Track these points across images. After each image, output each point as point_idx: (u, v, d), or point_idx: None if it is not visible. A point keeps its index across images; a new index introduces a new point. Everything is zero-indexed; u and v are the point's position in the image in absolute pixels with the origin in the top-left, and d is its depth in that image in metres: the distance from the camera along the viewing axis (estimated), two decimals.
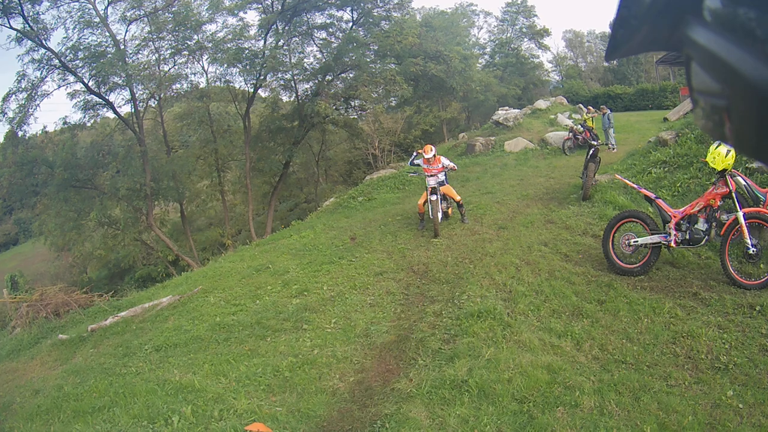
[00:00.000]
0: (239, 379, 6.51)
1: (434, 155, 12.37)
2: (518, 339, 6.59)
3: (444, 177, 12.43)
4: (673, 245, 7.89)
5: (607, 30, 60.61)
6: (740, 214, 7.34)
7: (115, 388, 6.81)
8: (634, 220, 8.46)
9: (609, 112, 20.98)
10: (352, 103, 29.08)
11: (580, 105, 32.07)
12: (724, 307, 6.77)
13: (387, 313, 8.21)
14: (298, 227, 16.85)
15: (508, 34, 50.45)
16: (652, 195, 8.46)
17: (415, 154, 12.88)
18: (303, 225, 17.09)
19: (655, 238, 8.00)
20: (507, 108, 28.59)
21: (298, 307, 8.82)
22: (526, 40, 51.06)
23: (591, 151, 12.85)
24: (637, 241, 8.18)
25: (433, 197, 11.70)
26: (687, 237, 7.83)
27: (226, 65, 25.08)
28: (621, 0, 0.81)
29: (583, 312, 7.21)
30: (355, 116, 31.64)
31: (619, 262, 8.36)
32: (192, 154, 28.29)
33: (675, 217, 7.95)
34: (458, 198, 12.33)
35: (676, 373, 5.62)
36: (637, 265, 8.22)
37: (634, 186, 9.04)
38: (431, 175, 12.06)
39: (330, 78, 27.20)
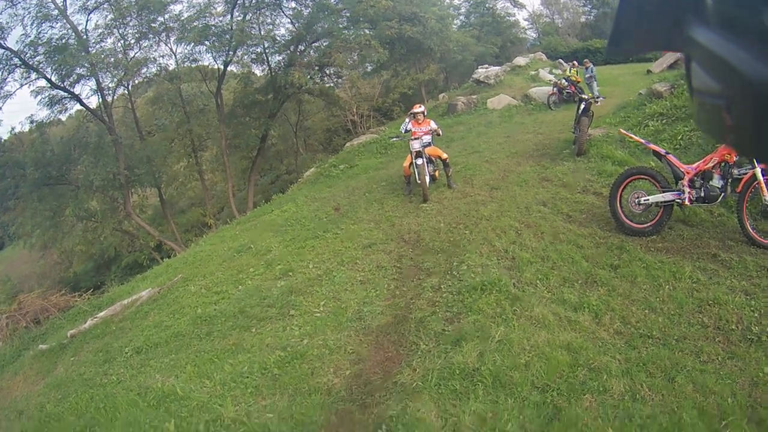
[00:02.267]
0: (224, 381, 5.67)
1: (424, 114, 11.59)
2: (530, 314, 5.83)
3: (430, 139, 11.56)
4: (687, 203, 7.19)
5: None
6: (758, 170, 6.69)
7: (95, 403, 5.95)
8: (643, 176, 7.71)
9: (591, 65, 20.28)
10: (327, 71, 27.97)
11: (560, 60, 31.62)
12: (747, 270, 6.14)
13: (380, 291, 7.37)
14: (279, 201, 15.96)
15: None
16: (661, 150, 7.72)
17: (406, 120, 11.87)
18: (284, 198, 16.21)
19: (668, 196, 7.26)
20: (487, 66, 27.73)
21: (283, 290, 7.97)
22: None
23: (582, 105, 12.05)
24: (648, 200, 7.43)
25: (419, 160, 10.80)
26: (702, 194, 7.13)
27: (193, 44, 23.90)
28: (621, 0, 0.83)
29: (597, 279, 6.46)
30: (331, 84, 30.51)
31: (628, 222, 7.63)
32: (166, 137, 27.25)
33: (688, 173, 7.21)
34: (445, 156, 11.44)
35: (708, 347, 4.96)
36: (649, 224, 7.50)
37: (642, 141, 8.31)
38: (416, 138, 11.12)
39: (303, 48, 26.12)
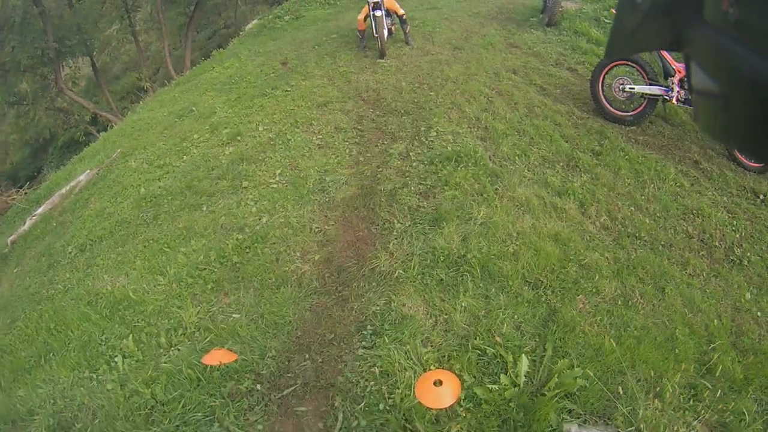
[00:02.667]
0: (180, 276, 4.90)
1: None
2: (512, 195, 5.36)
3: None
4: (674, 102, 6.73)
5: None
6: None
7: (45, 323, 5.00)
8: (630, 64, 7.14)
9: None
10: None
11: None
12: (728, 186, 6.03)
13: (341, 157, 6.66)
14: (220, 57, 14.31)
15: None
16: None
17: None
18: (225, 54, 14.53)
19: (655, 90, 6.78)
20: None
21: (232, 159, 7.10)
22: None
23: None
24: (633, 89, 6.91)
25: (378, 12, 9.49)
26: (690, 97, 6.67)
27: None
28: (621, 0, 0.86)
29: (579, 164, 6.03)
30: None
31: (609, 107, 7.16)
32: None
33: (679, 72, 6.65)
34: (402, 11, 10.25)
35: (694, 260, 4.91)
36: (631, 113, 7.07)
37: None
38: None
39: None
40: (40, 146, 29.53)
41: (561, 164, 6.03)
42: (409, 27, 10.41)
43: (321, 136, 7.26)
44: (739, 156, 6.38)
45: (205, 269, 4.94)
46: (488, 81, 8.15)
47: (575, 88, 7.86)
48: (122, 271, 5.38)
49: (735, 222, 5.40)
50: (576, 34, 9.86)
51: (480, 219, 4.91)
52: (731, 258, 4.97)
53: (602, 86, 7.17)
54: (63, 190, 9.05)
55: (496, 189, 5.46)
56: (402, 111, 7.55)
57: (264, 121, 8.05)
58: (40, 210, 8.78)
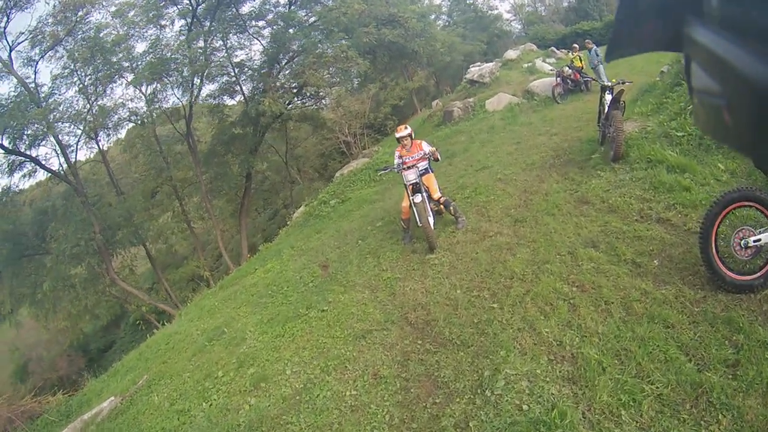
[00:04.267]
0: None
1: (411, 137, 9.01)
2: None
3: (427, 166, 9.01)
4: None
5: None
6: None
7: None
8: (749, 203, 4.90)
9: (595, 46, 17.41)
10: (307, 92, 24.98)
11: (553, 48, 29.15)
12: None
13: (378, 426, 4.78)
14: (264, 256, 13.44)
15: None
16: None
17: (397, 154, 9.19)
18: (270, 251, 13.67)
19: None
20: (479, 63, 25.01)
21: (251, 421, 5.56)
22: None
23: (608, 94, 9.44)
24: (759, 240, 4.76)
25: (418, 198, 8.11)
26: None
27: (146, 83, 21.01)
28: (621, 1, 0.85)
29: (713, 398, 3.78)
30: (314, 106, 27.43)
31: (729, 272, 4.90)
32: (146, 188, 24.39)
33: None
34: (437, 195, 8.82)
35: None
36: (759, 275, 4.77)
37: None
38: (409, 168, 8.45)
39: (277, 71, 23.27)
40: (113, 320, 29.21)
41: (689, 405, 3.82)
42: (453, 204, 8.86)
43: (356, 391, 5.49)
44: None
45: None
46: (564, 270, 6.22)
47: (676, 250, 5.76)
48: None
49: None
50: (650, 164, 7.93)
51: None
52: None
53: (716, 244, 4.99)
54: (86, 416, 8.24)
55: None
56: (458, 340, 5.66)
57: (293, 360, 6.63)
58: None
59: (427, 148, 8.88)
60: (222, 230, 24.82)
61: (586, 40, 18.61)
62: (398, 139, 9.06)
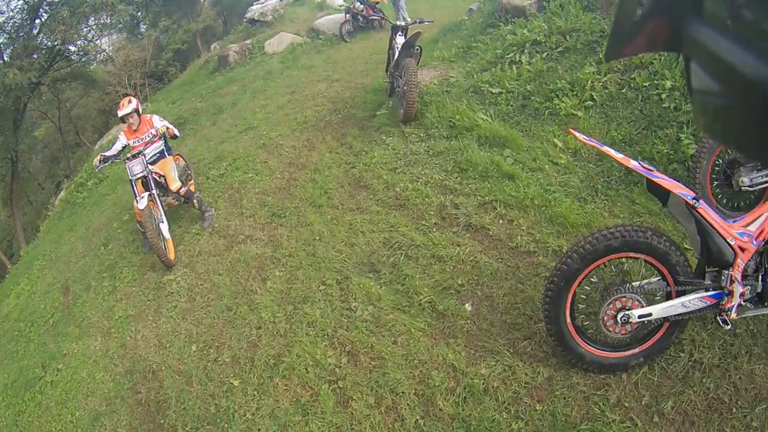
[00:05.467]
0: None
1: (138, 112, 6.60)
2: None
3: (161, 149, 6.73)
4: (733, 314, 2.61)
5: None
6: None
7: None
8: (635, 255, 2.68)
9: None
10: (69, 50, 19.79)
11: None
12: None
13: None
14: (23, 266, 9.86)
15: None
16: (687, 193, 2.55)
17: (121, 137, 6.69)
18: (27, 259, 10.17)
19: (693, 303, 2.66)
20: (263, 0, 21.59)
21: None
22: None
23: (400, 36, 7.07)
24: (650, 315, 2.67)
25: (142, 203, 5.79)
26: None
27: None
28: (620, 1, 0.81)
29: None
30: (80, 62, 22.33)
31: (591, 348, 2.86)
32: None
33: (743, 246, 2.51)
34: (176, 185, 6.33)
35: None
36: (638, 350, 2.84)
37: (618, 157, 2.69)
38: (136, 156, 6.14)
39: (37, 29, 18.02)
40: None
41: None
42: (197, 195, 6.57)
43: None
44: None
45: None
46: (330, 318, 3.97)
47: (498, 284, 3.55)
48: None
49: None
50: (455, 133, 5.75)
51: None
52: None
53: (572, 310, 2.79)
54: None
55: None
56: None
57: None
58: None
59: (158, 123, 6.61)
60: None
61: None
62: (122, 118, 6.57)
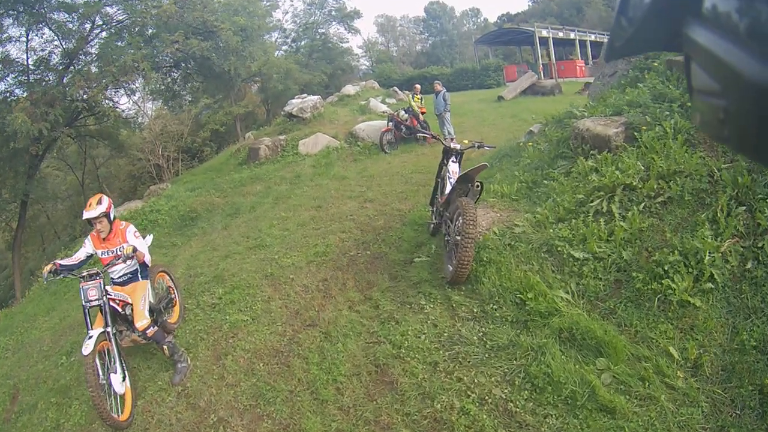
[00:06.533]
0: None
1: (109, 218, 5.16)
2: None
3: (134, 270, 5.31)
4: None
5: (422, 14, 57.94)
6: None
7: None
8: None
9: (444, 90, 13.62)
10: (97, 108, 18.43)
11: (395, 88, 26.06)
12: None
13: None
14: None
15: (316, 18, 42.37)
16: None
17: (87, 244, 5.35)
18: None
19: None
20: (304, 95, 20.77)
21: None
22: (335, 23, 43.11)
23: (453, 163, 5.67)
24: None
25: (87, 348, 4.38)
26: None
27: None
28: (620, 1, 0.80)
29: None
30: (106, 123, 20.77)
31: None
32: None
33: None
34: (143, 323, 4.81)
35: None
36: None
37: None
38: (93, 276, 4.77)
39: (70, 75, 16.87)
40: None
41: None
42: (170, 342, 5.08)
43: None
44: None
45: None
46: None
47: None
48: None
49: None
50: (522, 314, 4.16)
51: None
52: None
53: None
54: None
55: None
56: None
57: None
58: None
59: (133, 236, 5.22)
60: None
61: (436, 82, 14.71)
62: (89, 221, 5.18)
